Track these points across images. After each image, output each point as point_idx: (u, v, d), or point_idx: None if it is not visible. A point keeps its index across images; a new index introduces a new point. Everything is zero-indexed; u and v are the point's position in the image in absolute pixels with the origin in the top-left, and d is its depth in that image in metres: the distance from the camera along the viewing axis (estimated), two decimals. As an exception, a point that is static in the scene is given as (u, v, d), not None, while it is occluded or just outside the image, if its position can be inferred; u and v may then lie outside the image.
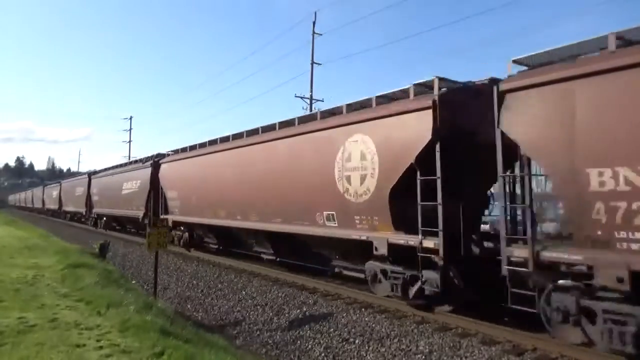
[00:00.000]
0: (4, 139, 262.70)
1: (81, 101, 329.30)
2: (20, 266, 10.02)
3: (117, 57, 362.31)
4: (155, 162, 19.46)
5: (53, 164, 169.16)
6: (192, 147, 16.54)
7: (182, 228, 17.19)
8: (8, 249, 13.40)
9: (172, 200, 17.29)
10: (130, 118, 58.21)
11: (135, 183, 21.63)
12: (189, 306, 10.24)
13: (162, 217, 17.21)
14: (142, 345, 4.79)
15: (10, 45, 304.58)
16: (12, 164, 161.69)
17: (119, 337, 5.05)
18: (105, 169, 28.88)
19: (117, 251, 18.01)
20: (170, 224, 16.49)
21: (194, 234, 16.92)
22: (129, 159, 49.48)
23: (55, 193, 45.40)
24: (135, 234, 24.00)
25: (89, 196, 30.56)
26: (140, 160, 22.33)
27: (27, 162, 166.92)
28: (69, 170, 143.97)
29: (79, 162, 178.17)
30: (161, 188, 18.32)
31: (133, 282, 11.58)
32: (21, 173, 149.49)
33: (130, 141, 57.46)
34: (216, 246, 16.44)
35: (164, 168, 18.37)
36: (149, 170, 19.72)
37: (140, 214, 20.60)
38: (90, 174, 31.44)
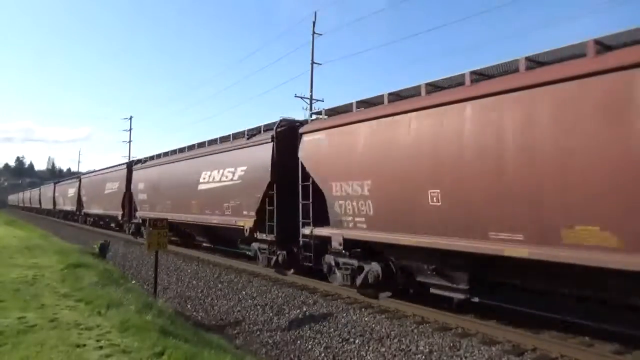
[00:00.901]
0: (4, 139, 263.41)
1: (81, 101, 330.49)
2: (20, 266, 10.01)
3: (118, 58, 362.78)
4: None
5: (53, 164, 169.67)
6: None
7: None
8: (8, 249, 13.39)
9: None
10: (130, 118, 58.14)
11: (248, 162, 12.05)
12: (189, 306, 10.23)
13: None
14: (142, 345, 4.79)
15: (10, 45, 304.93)
16: (12, 164, 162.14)
17: (119, 337, 5.05)
18: (161, 155, 19.12)
19: (117, 251, 18.00)
20: None
21: None
22: (129, 159, 48.81)
23: (72, 191, 35.51)
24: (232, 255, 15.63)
25: (128, 195, 22.12)
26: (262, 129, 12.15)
27: (27, 162, 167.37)
28: (69, 170, 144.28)
29: (79, 162, 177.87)
30: None
31: (133, 282, 11.55)
32: (21, 173, 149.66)
33: (130, 141, 57.43)
34: None
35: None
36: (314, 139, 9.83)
37: (245, 222, 11.80)
38: (132, 164, 22.39)
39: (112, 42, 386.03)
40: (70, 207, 36.59)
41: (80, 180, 33.06)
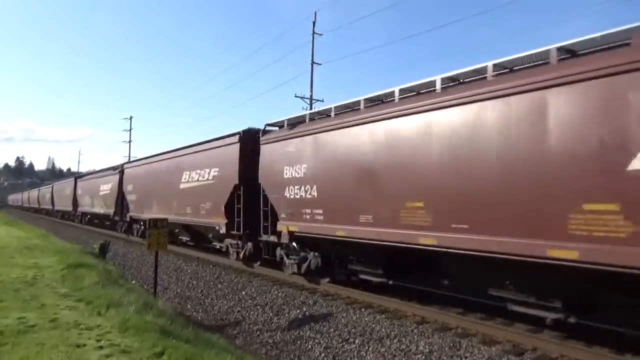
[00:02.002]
0: (4, 139, 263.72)
1: (81, 101, 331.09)
2: (20, 266, 10.02)
3: (118, 58, 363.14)
4: None
5: (53, 164, 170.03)
6: None
7: None
8: (8, 249, 13.40)
9: None
10: (130, 118, 58.09)
11: None
12: (189, 306, 10.23)
13: None
14: (142, 346, 4.78)
15: (10, 45, 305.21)
16: (12, 164, 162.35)
17: (119, 337, 5.05)
18: (361, 102, 8.79)
19: (117, 251, 18.00)
20: None
21: None
22: (129, 159, 48.86)
23: (106, 187, 25.82)
24: None
25: (245, 192, 12.16)
26: None
27: (27, 162, 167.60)
28: (69, 170, 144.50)
29: (79, 162, 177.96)
30: None
31: (133, 282, 11.56)
32: (21, 173, 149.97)
33: (130, 141, 57.40)
34: None
35: None
36: None
37: None
38: (259, 133, 11.85)
39: (112, 42, 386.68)
40: (102, 209, 26.58)
41: (122, 172, 23.30)
